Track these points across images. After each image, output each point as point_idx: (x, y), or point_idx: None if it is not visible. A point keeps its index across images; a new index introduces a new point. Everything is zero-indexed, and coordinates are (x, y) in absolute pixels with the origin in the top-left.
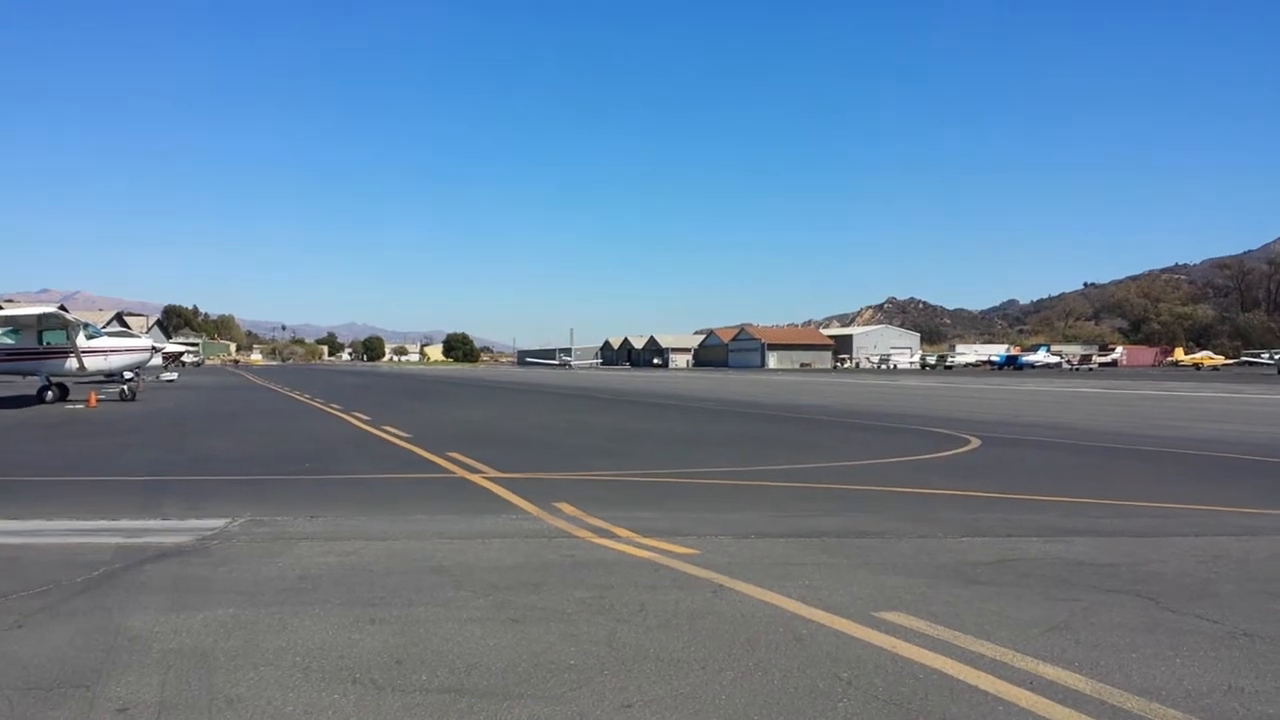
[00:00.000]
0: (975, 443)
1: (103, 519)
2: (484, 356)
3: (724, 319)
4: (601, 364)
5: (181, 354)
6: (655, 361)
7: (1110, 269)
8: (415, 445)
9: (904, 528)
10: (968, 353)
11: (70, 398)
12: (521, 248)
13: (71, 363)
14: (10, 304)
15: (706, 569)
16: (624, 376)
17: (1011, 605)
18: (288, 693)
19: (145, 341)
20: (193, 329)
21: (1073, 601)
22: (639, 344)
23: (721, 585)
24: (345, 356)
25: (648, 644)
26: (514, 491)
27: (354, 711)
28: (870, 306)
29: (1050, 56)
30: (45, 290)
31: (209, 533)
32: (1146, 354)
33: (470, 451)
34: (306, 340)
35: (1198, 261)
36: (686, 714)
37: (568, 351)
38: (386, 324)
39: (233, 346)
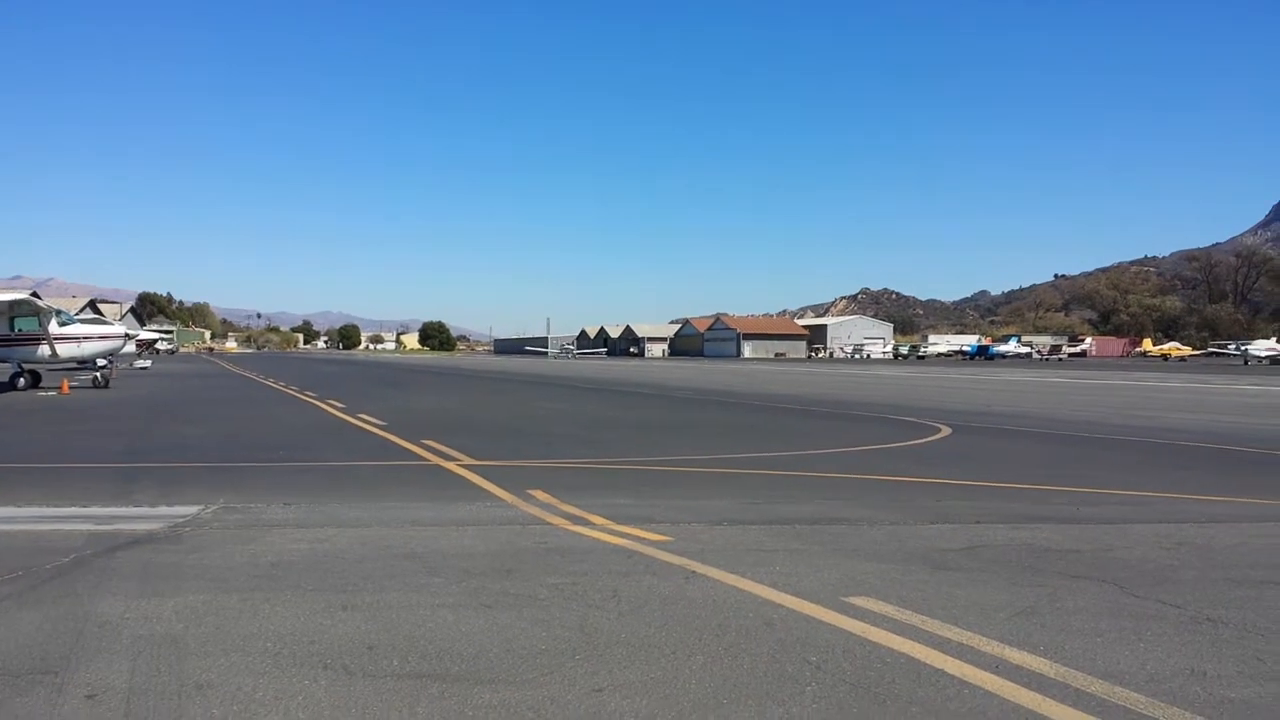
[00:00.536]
0: (946, 431)
1: (74, 506)
2: (461, 345)
3: (699, 309)
4: (606, 354)
5: (155, 341)
6: (631, 351)
7: (1080, 261)
8: (390, 433)
9: (875, 515)
10: (940, 343)
11: (43, 385)
12: (498, 237)
13: (44, 350)
14: None
15: (679, 555)
16: (600, 365)
17: (979, 590)
18: (258, 679)
19: (119, 329)
20: (167, 316)
21: (1039, 587)
22: (615, 333)
23: (694, 571)
24: (321, 344)
25: (619, 629)
26: (488, 479)
27: (324, 697)
28: (844, 297)
29: (1023, 50)
30: (17, 277)
31: (181, 519)
32: (1115, 345)
33: (445, 439)
34: (282, 328)
35: (1166, 254)
36: (656, 698)
37: (543, 341)
38: (362, 312)
39: (207, 334)
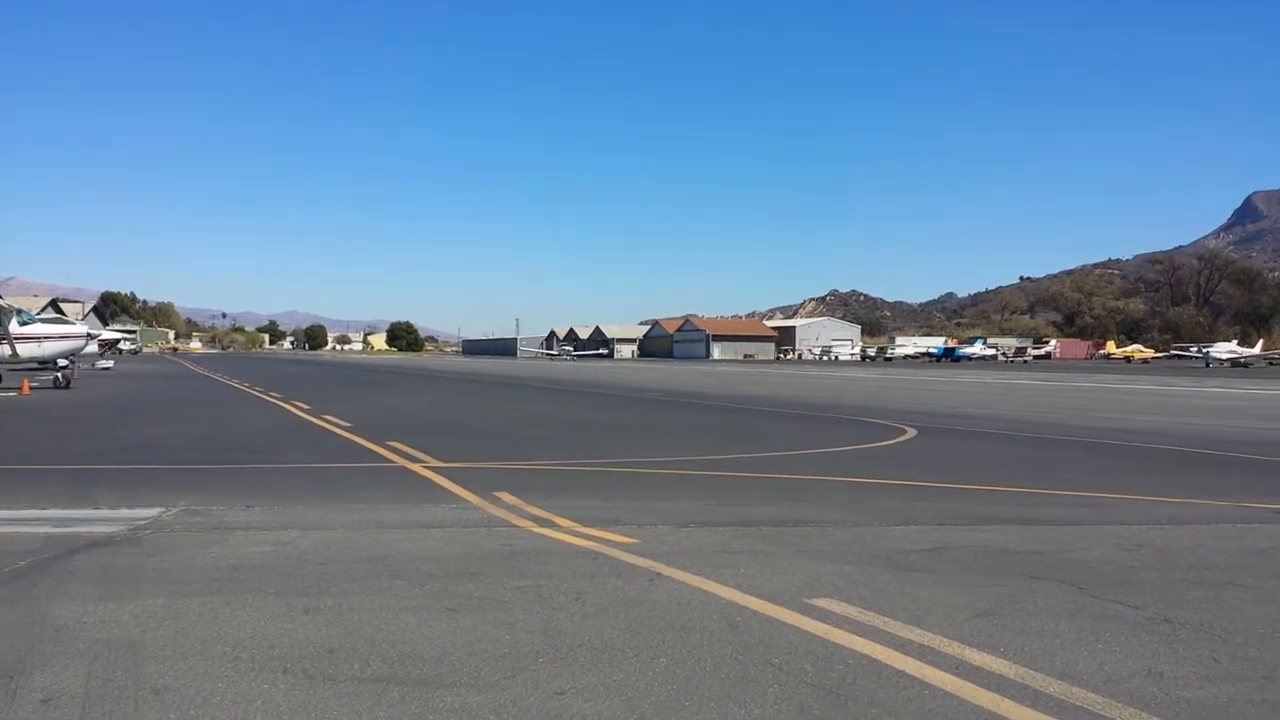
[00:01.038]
0: (912, 433)
1: (32, 508)
2: (429, 346)
3: (669, 310)
4: (607, 355)
5: (118, 341)
6: (601, 352)
7: (1045, 264)
8: (355, 434)
9: (840, 516)
10: (907, 345)
11: (2, 385)
12: (466, 237)
13: (4, 349)
14: None
15: (645, 558)
16: (570, 367)
17: (941, 592)
18: (216, 683)
19: (81, 328)
20: (130, 316)
21: (1000, 588)
22: (584, 334)
23: (659, 573)
24: (287, 345)
25: (583, 632)
26: (454, 481)
27: (283, 701)
28: (813, 299)
29: (988, 51)
30: None
31: (141, 522)
32: (1079, 347)
33: (411, 440)
34: (247, 328)
35: (1130, 257)
36: (619, 701)
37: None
38: (329, 312)
39: (171, 334)
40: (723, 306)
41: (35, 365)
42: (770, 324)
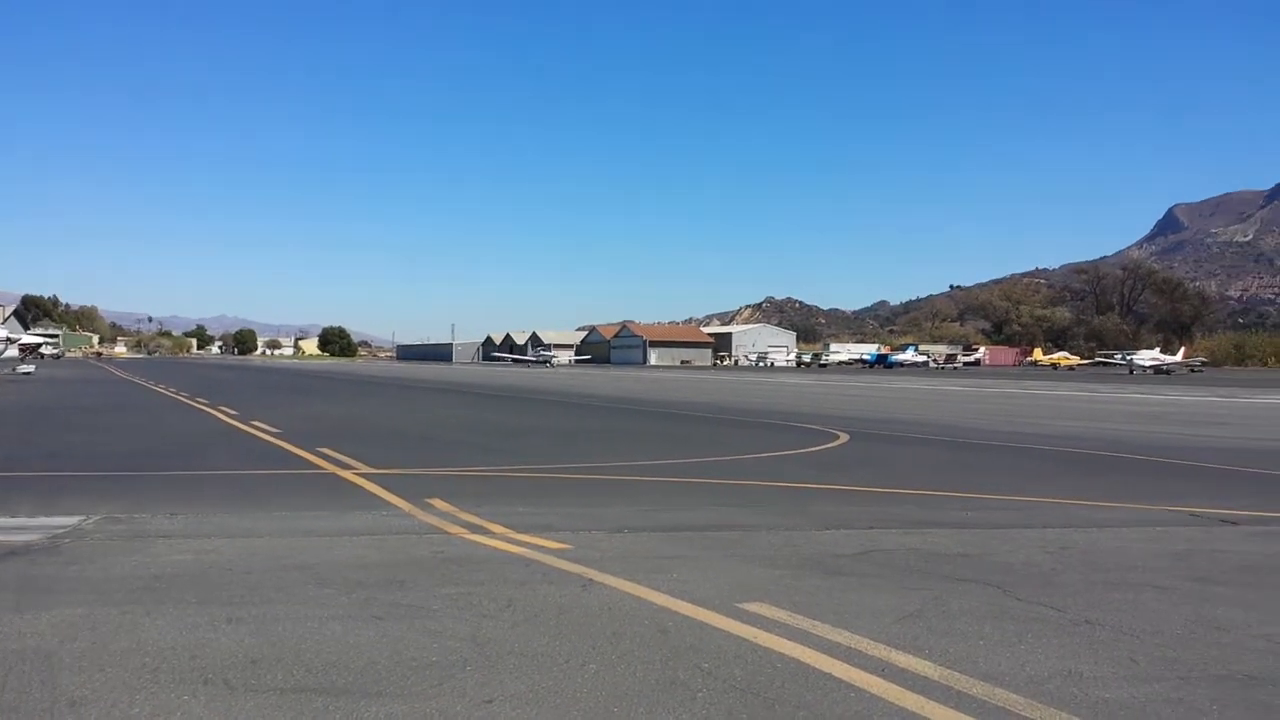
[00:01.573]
0: (844, 438)
1: None
2: (363, 351)
3: (606, 316)
4: (591, 360)
5: (40, 345)
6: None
7: (975, 273)
8: (284, 441)
9: (772, 521)
10: (841, 351)
11: None
12: (401, 242)
13: None
14: None
15: (577, 564)
16: (508, 373)
17: (869, 595)
18: (134, 694)
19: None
20: (53, 320)
21: (926, 591)
22: (521, 339)
23: (591, 580)
24: (215, 350)
25: (513, 640)
26: (386, 488)
27: (203, 713)
28: (749, 305)
29: (920, 63)
30: None
31: (61, 531)
32: (1008, 354)
33: (342, 447)
34: (174, 332)
35: (1057, 266)
36: (547, 709)
37: (448, 347)
38: (259, 316)
39: (95, 338)
40: (660, 313)
41: None
42: (707, 330)
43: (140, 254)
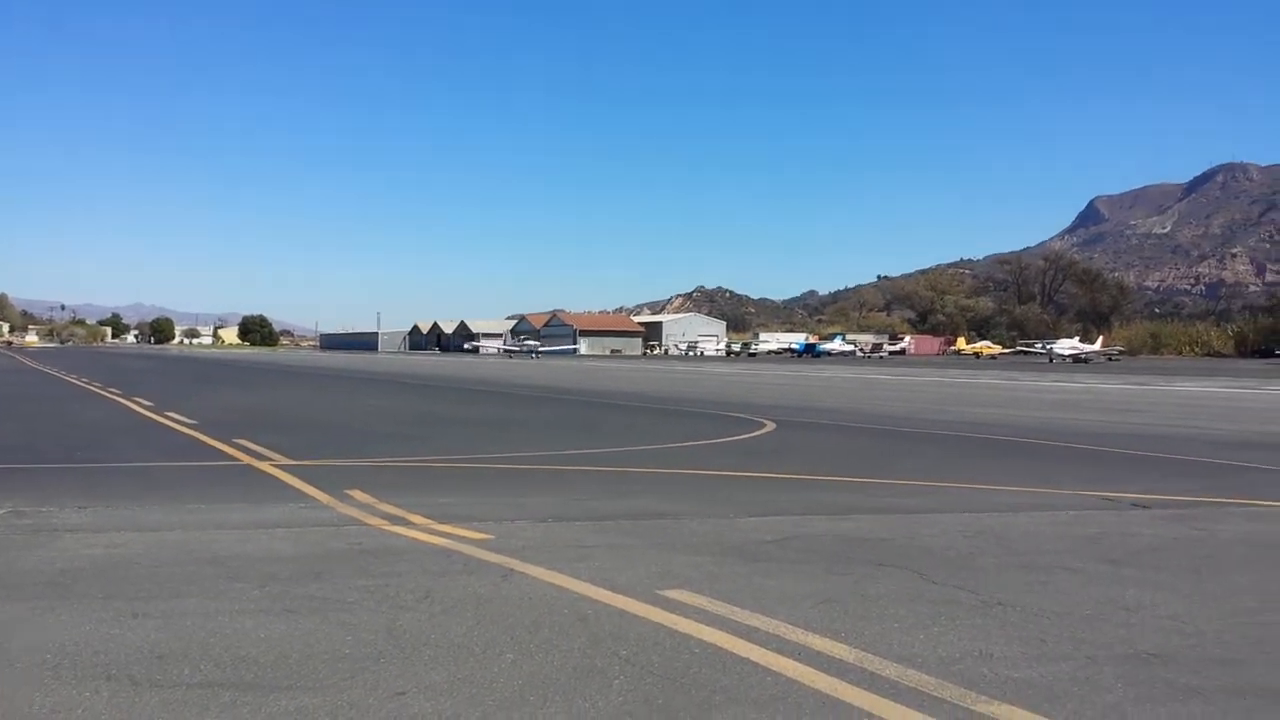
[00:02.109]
0: (770, 426)
1: None
2: (284, 340)
3: (536, 305)
4: (576, 351)
5: None
6: (466, 346)
7: (901, 263)
8: (199, 432)
9: (696, 508)
10: (770, 340)
11: None
12: (324, 228)
13: None
14: None
15: (499, 554)
16: (432, 361)
17: (789, 581)
18: (34, 692)
19: None
20: None
21: (845, 575)
22: (449, 329)
23: (512, 569)
24: (131, 339)
25: (429, 631)
26: (303, 479)
27: (105, 709)
28: (680, 295)
29: (841, 54)
30: None
31: None
32: (932, 343)
33: (259, 438)
34: (88, 321)
35: (981, 257)
36: (461, 698)
37: (374, 336)
38: (177, 304)
39: (5, 327)
40: (591, 302)
41: None
42: (638, 319)
43: (51, 240)
